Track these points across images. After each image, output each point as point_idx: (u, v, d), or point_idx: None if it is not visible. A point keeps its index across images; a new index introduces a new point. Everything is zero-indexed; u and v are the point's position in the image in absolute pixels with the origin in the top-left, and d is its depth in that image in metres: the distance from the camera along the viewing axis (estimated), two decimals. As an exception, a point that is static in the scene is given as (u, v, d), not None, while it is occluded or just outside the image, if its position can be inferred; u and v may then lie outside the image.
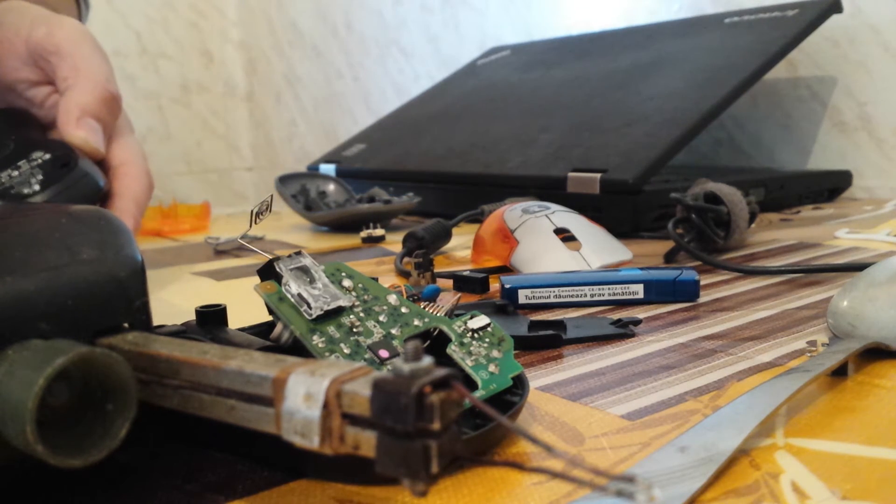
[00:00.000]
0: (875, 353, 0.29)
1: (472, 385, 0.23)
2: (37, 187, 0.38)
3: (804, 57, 0.85)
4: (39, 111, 0.44)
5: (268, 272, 0.25)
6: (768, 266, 0.45)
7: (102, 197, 0.41)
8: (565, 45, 0.94)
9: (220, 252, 0.60)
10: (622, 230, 0.57)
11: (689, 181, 0.55)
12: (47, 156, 0.40)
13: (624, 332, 0.33)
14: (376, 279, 0.27)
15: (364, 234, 0.62)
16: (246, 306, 0.31)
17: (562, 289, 0.39)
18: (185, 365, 0.19)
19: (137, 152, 0.43)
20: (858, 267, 0.41)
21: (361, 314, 0.25)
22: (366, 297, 0.25)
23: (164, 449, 0.23)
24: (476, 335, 0.25)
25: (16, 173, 0.39)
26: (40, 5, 0.44)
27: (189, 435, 0.23)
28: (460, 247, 0.57)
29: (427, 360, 0.15)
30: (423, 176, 0.77)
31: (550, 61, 0.90)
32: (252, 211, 0.28)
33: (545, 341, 0.32)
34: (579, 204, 0.57)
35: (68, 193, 0.39)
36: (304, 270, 0.25)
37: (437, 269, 0.48)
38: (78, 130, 0.40)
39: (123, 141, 0.43)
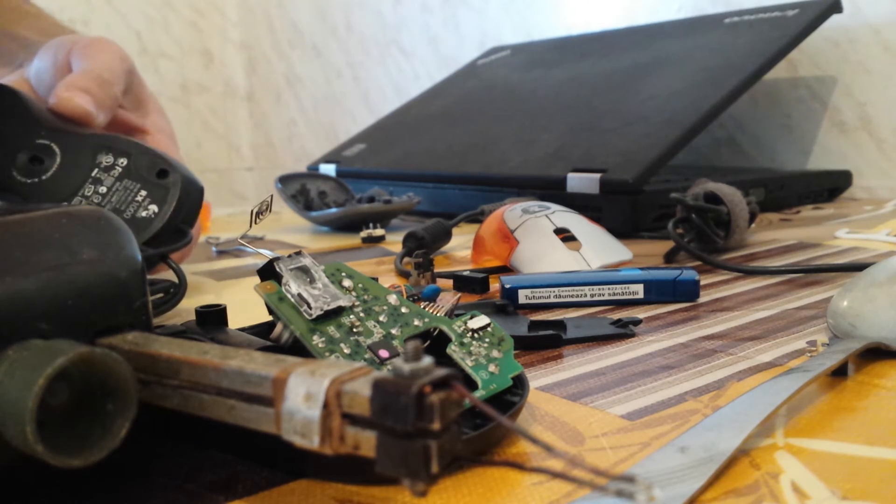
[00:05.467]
0: (875, 353, 0.29)
1: (472, 385, 0.23)
2: (154, 208, 0.33)
3: (804, 57, 0.85)
4: None
5: (268, 272, 0.25)
6: (768, 266, 0.45)
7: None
8: (565, 46, 0.94)
9: (221, 252, 0.60)
10: (622, 230, 0.57)
11: (689, 181, 0.55)
12: (122, 160, 0.34)
13: (624, 332, 0.33)
14: (376, 279, 0.27)
15: (364, 234, 0.62)
16: (246, 306, 0.31)
17: (562, 289, 0.39)
18: (185, 365, 0.19)
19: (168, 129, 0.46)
20: (858, 267, 0.41)
21: (361, 314, 0.25)
22: (366, 297, 0.25)
23: (165, 449, 0.23)
24: (476, 335, 0.25)
25: (103, 188, 0.33)
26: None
27: (189, 435, 0.23)
28: (460, 247, 0.57)
29: (427, 360, 0.15)
30: (423, 176, 0.77)
31: (550, 61, 0.90)
32: (252, 211, 0.28)
33: (545, 341, 0.32)
34: (579, 204, 0.57)
35: (188, 205, 0.34)
36: (304, 270, 0.25)
37: (437, 269, 0.48)
38: (59, 93, 0.38)
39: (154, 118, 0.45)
